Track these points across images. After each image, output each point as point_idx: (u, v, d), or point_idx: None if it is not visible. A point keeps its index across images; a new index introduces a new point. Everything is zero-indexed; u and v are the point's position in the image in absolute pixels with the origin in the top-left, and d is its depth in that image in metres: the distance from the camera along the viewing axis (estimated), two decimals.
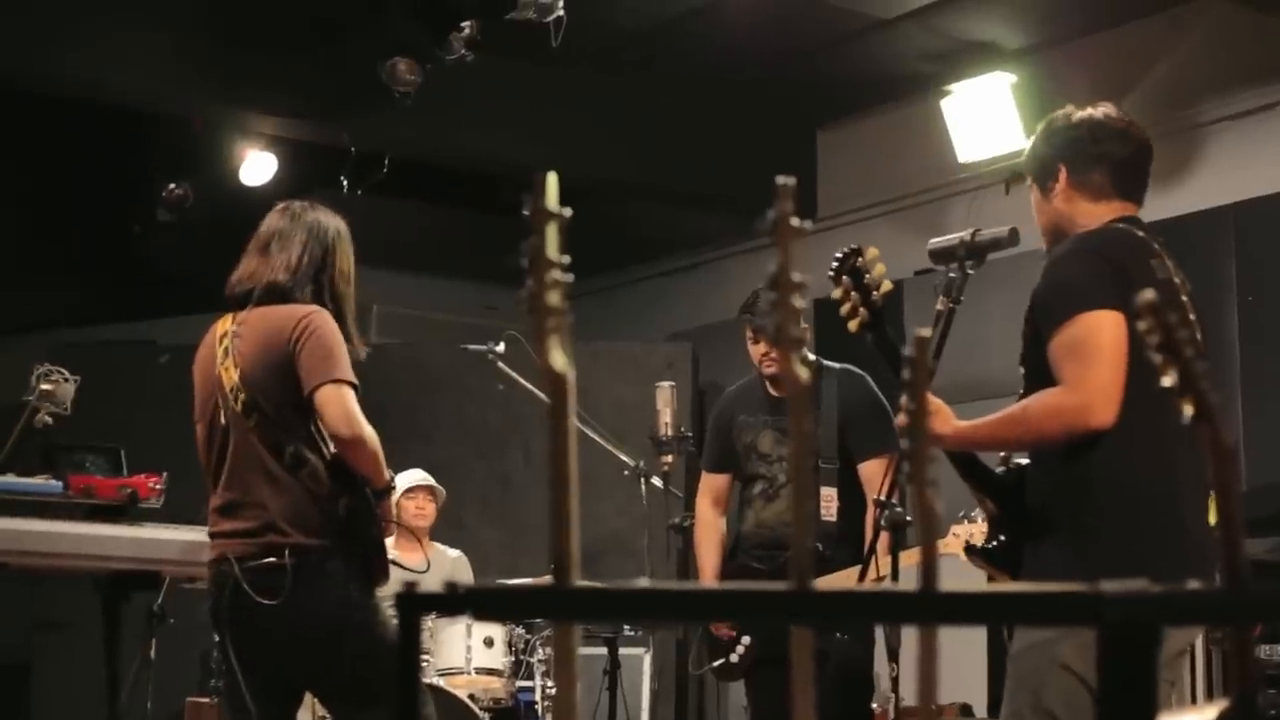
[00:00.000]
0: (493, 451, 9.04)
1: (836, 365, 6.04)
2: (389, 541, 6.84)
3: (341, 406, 4.06)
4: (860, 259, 3.78)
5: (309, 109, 8.22)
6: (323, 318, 4.17)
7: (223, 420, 4.20)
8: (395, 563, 4.94)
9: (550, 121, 8.75)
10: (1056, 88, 7.89)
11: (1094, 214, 3.78)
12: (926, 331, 1.96)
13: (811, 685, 2.38)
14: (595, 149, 9.02)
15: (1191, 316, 3.67)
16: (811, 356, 5.91)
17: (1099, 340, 3.53)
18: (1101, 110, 3.87)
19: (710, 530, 6.18)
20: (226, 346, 4.22)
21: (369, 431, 4.10)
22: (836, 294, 3.78)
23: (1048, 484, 3.70)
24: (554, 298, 2.12)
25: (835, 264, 3.79)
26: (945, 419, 3.64)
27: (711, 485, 6.27)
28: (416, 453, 7.72)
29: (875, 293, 3.77)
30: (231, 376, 4.17)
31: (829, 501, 5.84)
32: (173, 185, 8.85)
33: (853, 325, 3.80)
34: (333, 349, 4.13)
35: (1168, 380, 2.09)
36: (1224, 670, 2.04)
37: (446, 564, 7.20)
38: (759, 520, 6.06)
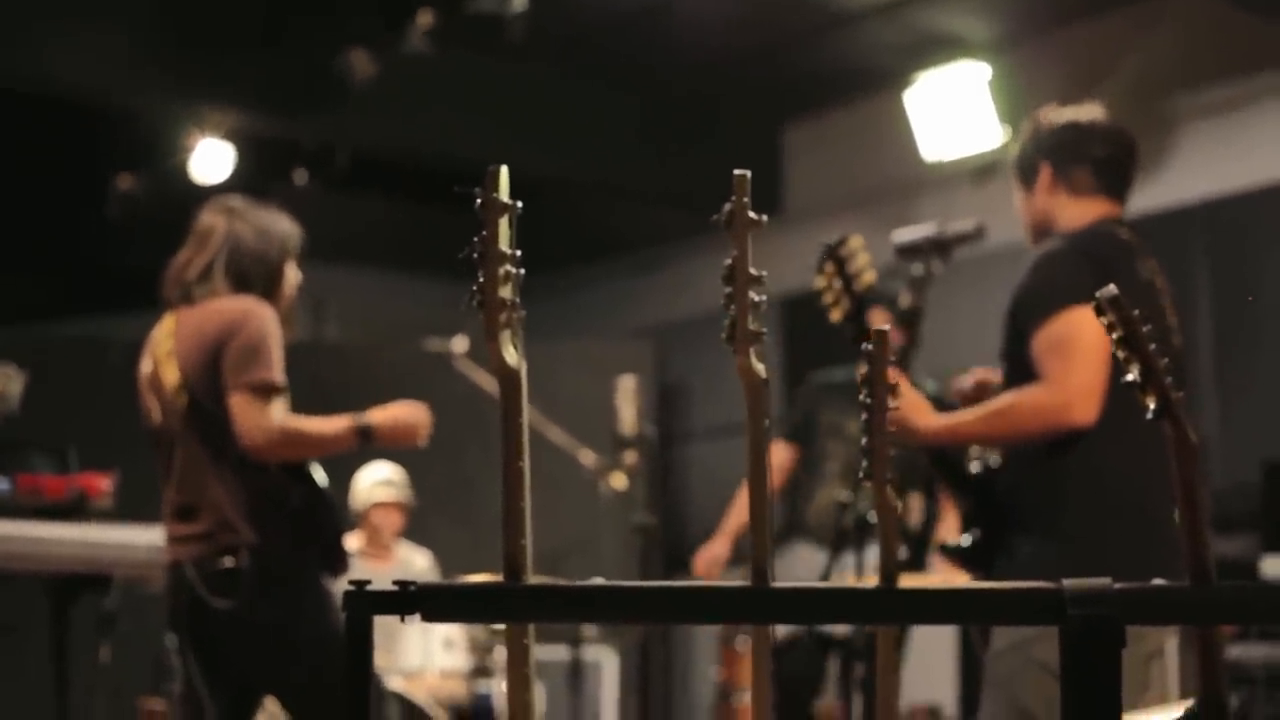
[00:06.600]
0: (453, 449, 8.96)
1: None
2: (354, 546, 6.85)
3: (246, 417, 3.92)
4: (844, 248, 3.75)
5: (263, 102, 8.13)
6: (257, 313, 4.05)
7: (168, 422, 4.12)
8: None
9: (511, 116, 8.69)
10: (1026, 82, 7.88)
11: (1077, 212, 3.78)
12: (884, 325, 1.92)
13: (769, 681, 2.35)
14: (557, 144, 8.95)
15: (1171, 319, 3.66)
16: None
17: (1081, 338, 3.53)
18: (1087, 110, 3.85)
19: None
20: (168, 347, 4.13)
21: (290, 427, 3.96)
22: (820, 283, 3.76)
23: (1022, 482, 3.69)
24: (505, 291, 2.08)
25: (820, 253, 3.76)
26: (924, 413, 3.61)
27: (776, 454, 6.12)
28: (374, 451, 7.64)
29: (857, 282, 3.75)
30: (172, 376, 4.08)
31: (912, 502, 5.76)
32: (123, 179, 8.76)
33: (834, 315, 3.77)
34: (257, 348, 3.99)
35: (1130, 376, 2.06)
36: (1194, 669, 2.02)
37: (414, 571, 7.11)
38: (827, 501, 5.94)
